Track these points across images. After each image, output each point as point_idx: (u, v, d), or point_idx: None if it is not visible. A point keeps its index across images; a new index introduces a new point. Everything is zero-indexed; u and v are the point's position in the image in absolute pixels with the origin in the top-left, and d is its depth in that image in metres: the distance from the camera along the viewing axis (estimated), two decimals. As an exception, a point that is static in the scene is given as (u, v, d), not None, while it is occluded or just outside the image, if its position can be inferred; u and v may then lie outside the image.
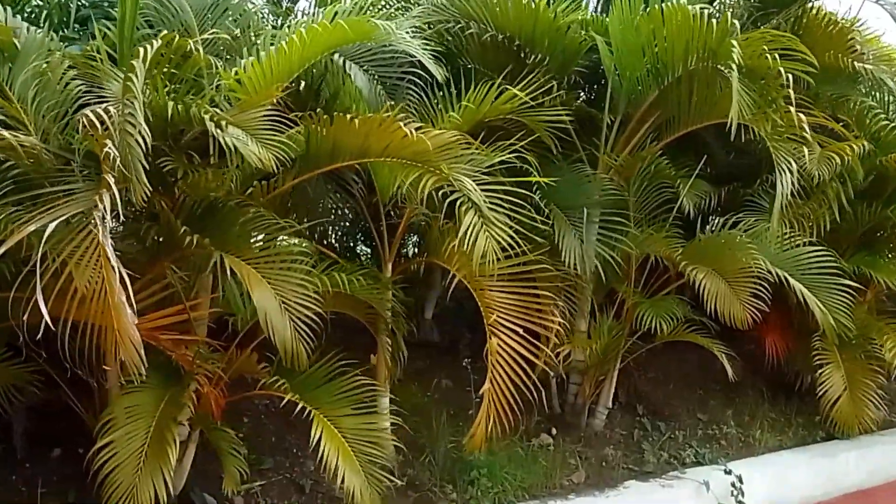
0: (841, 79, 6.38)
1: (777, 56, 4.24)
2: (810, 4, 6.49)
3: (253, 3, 5.17)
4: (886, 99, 6.47)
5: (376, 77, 4.53)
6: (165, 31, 3.17)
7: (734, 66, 4.15)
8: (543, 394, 5.52)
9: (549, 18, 4.85)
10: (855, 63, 6.14)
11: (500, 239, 3.56)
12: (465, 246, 3.47)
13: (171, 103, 2.95)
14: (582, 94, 5.97)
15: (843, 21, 6.54)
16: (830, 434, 6.11)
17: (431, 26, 5.06)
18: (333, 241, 5.42)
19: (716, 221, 5.72)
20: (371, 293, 3.82)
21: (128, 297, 2.54)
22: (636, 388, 6.24)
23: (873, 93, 6.65)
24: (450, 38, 5.09)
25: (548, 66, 5.00)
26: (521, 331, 3.78)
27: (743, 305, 4.68)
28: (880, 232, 6.43)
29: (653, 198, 5.53)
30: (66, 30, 4.47)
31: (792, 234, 5.48)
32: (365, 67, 4.41)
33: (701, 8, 4.52)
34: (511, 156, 4.16)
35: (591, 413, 5.59)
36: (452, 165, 3.61)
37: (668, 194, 5.61)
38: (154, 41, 3.03)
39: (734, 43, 4.23)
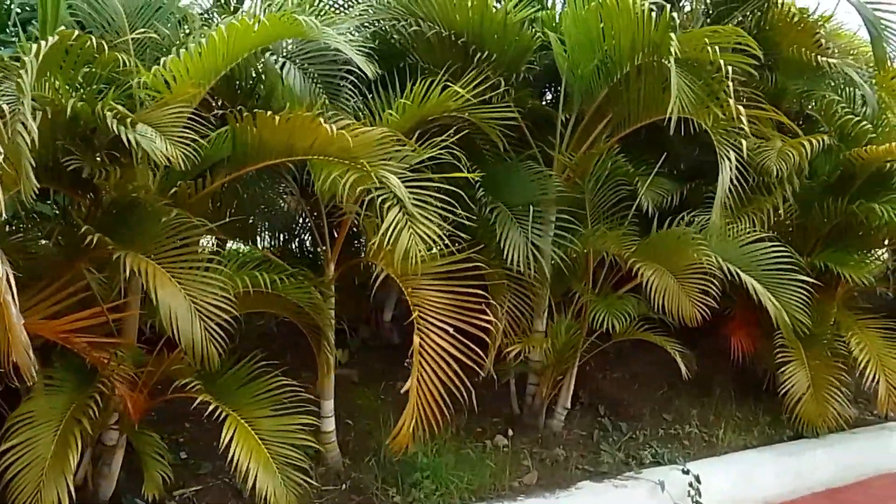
0: (808, 73, 6.32)
1: (717, 49, 4.16)
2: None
3: (200, 5, 5.18)
4: (856, 94, 6.36)
5: (316, 76, 4.49)
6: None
7: (672, 60, 4.09)
8: (513, 393, 5.57)
9: (496, 15, 4.81)
10: (818, 57, 6.08)
11: (426, 236, 3.49)
12: (387, 243, 3.41)
13: (72, 101, 2.91)
14: (541, 91, 5.96)
15: (810, 16, 6.51)
16: (799, 433, 6.02)
17: (377, 24, 5.05)
18: (281, 241, 5.38)
19: (672, 219, 5.63)
20: (300, 294, 3.76)
21: (17, 296, 2.49)
22: (599, 388, 6.18)
23: (846, 88, 6.56)
24: (396, 37, 5.05)
25: (496, 64, 4.96)
26: (451, 329, 3.71)
27: (692, 302, 4.60)
28: (849, 228, 6.33)
29: (609, 196, 5.47)
30: (3, 32, 4.46)
31: (751, 229, 5.41)
32: (304, 66, 4.37)
33: (651, 3, 4.48)
34: (460, 152, 4.14)
35: (550, 414, 5.52)
36: (378, 162, 3.56)
37: (626, 192, 5.56)
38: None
39: (673, 36, 4.17)
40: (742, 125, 4.07)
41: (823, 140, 5.58)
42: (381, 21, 5.02)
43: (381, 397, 5.29)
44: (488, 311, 3.77)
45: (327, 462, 4.48)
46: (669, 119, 4.12)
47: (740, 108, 4.08)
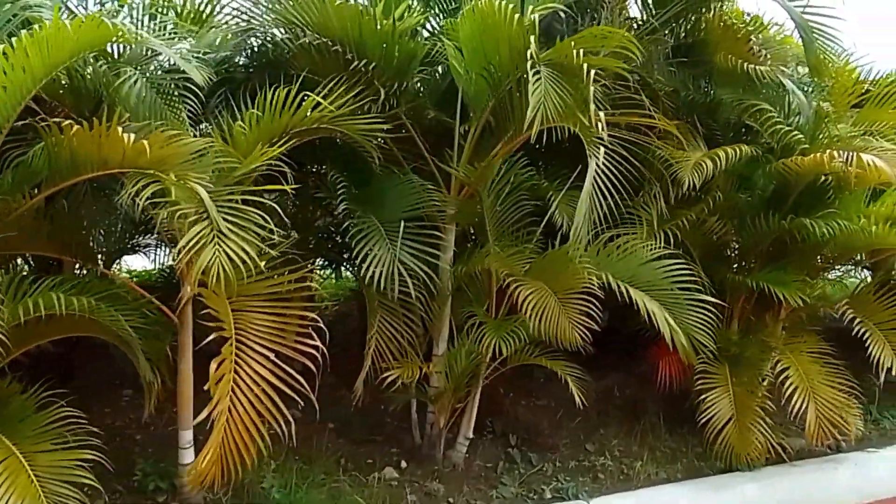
0: (743, 83, 5.98)
1: (582, 53, 3.87)
2: (712, 5, 6.16)
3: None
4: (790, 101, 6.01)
5: (169, 85, 4.27)
6: None
7: (530, 67, 3.83)
8: (414, 422, 5.26)
9: (374, 25, 4.58)
10: (745, 65, 5.76)
11: (233, 252, 3.24)
12: (184, 259, 3.16)
13: None
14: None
15: (745, 23, 6.20)
16: (730, 465, 5.59)
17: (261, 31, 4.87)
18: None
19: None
20: (105, 313, 3.50)
21: None
22: (519, 416, 5.84)
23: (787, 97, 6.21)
24: (271, 46, 4.86)
25: (379, 73, 4.72)
26: (272, 355, 3.44)
27: (572, 324, 4.26)
28: (787, 245, 5.94)
29: (513, 211, 5.17)
30: None
31: (664, 246, 5.07)
32: (147, 76, 4.16)
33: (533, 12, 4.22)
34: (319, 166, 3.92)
35: (451, 444, 5.20)
36: (185, 173, 3.34)
37: (535, 207, 5.27)
38: None
39: (532, 40, 3.90)
40: (602, 133, 3.77)
41: (743, 150, 5.22)
42: (262, 28, 4.85)
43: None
44: (314, 335, 3.48)
45: (183, 495, 4.21)
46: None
47: (600, 114, 3.76)
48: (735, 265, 6.14)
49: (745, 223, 5.83)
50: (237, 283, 3.38)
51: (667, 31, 6.22)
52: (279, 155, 3.73)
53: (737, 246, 6.12)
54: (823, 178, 5.76)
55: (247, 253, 3.25)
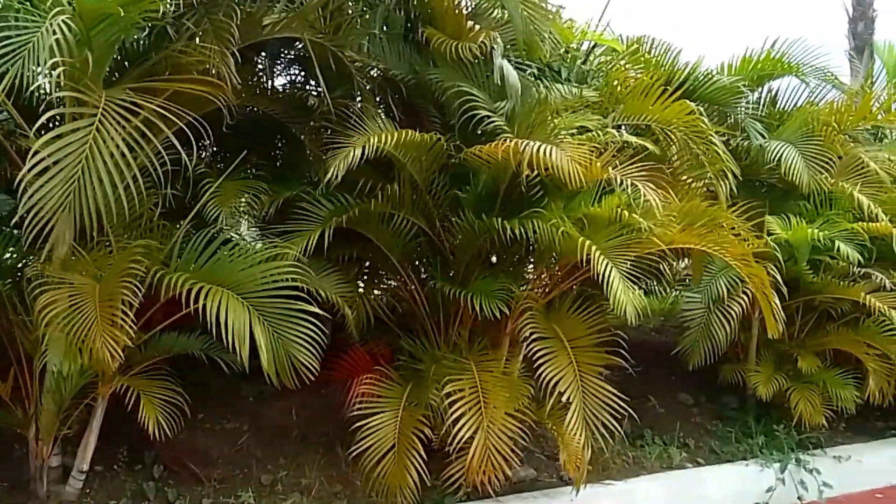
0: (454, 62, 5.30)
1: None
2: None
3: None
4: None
5: None
6: None
7: None
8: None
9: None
10: (454, 44, 5.10)
11: None
12: None
13: None
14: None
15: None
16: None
17: None
18: None
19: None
20: None
21: None
22: (190, 442, 5.07)
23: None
24: None
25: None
26: None
27: (106, 336, 3.51)
28: (503, 248, 5.24)
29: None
30: None
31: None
32: None
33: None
34: None
35: (65, 478, 4.45)
36: None
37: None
38: None
39: None
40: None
41: (410, 135, 4.51)
42: None
43: None
44: None
45: None
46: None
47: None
48: (452, 271, 5.41)
49: (454, 224, 5.12)
50: None
51: (398, 7, 5.64)
52: None
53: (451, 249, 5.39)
54: (532, 174, 5.03)
55: None
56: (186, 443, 5.05)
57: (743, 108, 6.96)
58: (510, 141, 4.53)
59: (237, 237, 4.35)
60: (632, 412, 4.84)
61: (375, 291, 5.45)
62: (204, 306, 3.69)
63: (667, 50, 7.24)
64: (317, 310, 3.92)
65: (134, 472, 4.74)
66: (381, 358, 5.20)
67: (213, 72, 4.20)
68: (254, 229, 5.65)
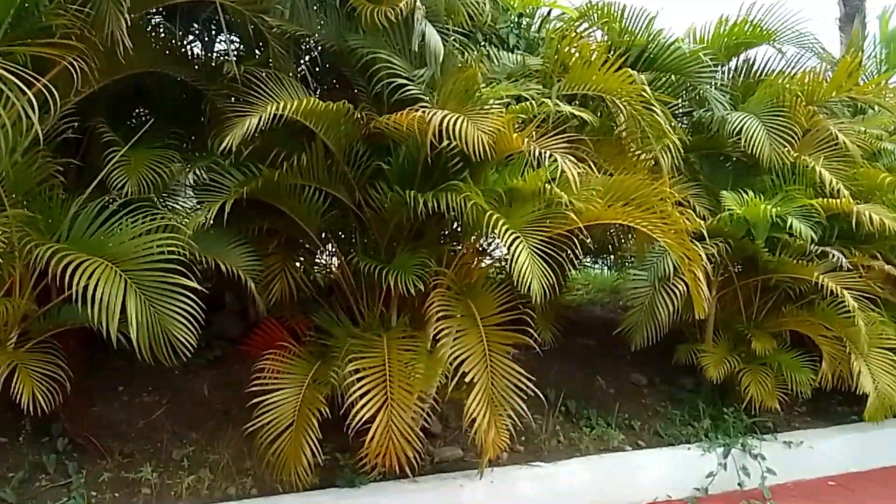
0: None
1: None
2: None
3: None
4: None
5: None
6: None
7: None
8: None
9: None
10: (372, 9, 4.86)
11: None
12: None
13: None
14: None
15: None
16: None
17: None
18: None
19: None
20: None
21: None
22: (105, 414, 5.00)
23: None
24: None
25: None
26: None
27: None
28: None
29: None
30: None
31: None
32: None
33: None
34: None
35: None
36: None
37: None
38: None
39: None
40: None
41: (309, 102, 4.32)
42: None
43: None
44: None
45: None
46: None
47: None
48: (375, 245, 5.24)
49: (372, 197, 4.95)
50: None
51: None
52: None
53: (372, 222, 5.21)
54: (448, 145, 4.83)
55: None
56: (98, 416, 5.02)
57: (711, 79, 6.68)
58: (418, 110, 4.34)
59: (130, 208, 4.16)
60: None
61: (296, 265, 5.27)
62: (71, 279, 3.56)
63: (638, 17, 6.95)
64: (195, 284, 3.78)
65: (39, 445, 4.67)
66: (300, 332, 5.06)
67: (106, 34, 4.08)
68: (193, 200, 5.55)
